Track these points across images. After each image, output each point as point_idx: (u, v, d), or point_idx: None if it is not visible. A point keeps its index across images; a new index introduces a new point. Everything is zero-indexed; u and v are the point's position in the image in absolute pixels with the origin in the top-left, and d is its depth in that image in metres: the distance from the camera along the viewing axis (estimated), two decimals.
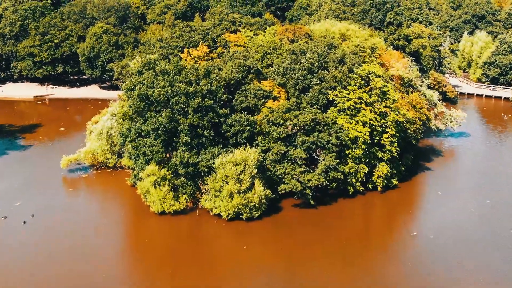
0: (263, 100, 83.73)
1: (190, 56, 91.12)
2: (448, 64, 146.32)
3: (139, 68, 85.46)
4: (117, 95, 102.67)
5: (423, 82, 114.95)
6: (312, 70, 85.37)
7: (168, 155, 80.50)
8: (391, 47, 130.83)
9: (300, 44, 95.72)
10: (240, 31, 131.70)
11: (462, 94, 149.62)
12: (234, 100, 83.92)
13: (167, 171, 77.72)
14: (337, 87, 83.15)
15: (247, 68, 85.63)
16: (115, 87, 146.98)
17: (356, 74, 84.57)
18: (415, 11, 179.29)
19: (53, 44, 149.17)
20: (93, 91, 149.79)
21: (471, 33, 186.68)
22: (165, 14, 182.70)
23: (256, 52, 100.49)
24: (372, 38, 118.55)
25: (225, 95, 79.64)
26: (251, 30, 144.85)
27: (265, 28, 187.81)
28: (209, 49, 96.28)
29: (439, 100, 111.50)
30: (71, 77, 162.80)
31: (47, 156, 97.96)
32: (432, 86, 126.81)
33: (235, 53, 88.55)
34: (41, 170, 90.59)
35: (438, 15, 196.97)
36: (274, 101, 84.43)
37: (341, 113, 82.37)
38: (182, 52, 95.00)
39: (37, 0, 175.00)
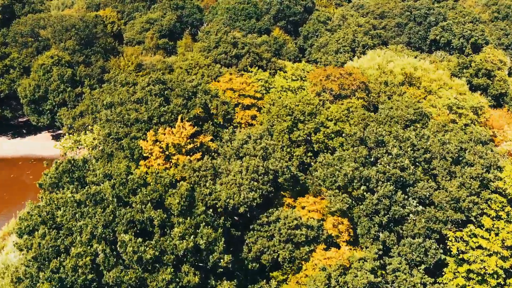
0: (307, 247, 39.33)
1: (159, 142, 46.11)
2: None
3: (53, 177, 40.64)
4: None
5: None
6: (404, 182, 40.65)
7: None
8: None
9: (363, 113, 51.77)
10: (245, 70, 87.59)
11: None
12: (245, 245, 39.83)
13: None
14: (465, 223, 38.60)
15: (271, 176, 40.93)
16: None
17: (497, 193, 39.87)
18: (468, 26, 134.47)
19: None
20: (42, 144, 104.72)
21: None
22: (147, 31, 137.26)
23: (279, 118, 56.48)
24: (452, 80, 73.81)
25: (227, 257, 34.93)
26: (264, 68, 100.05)
27: (276, 49, 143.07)
28: (195, 126, 51.05)
29: None
30: (19, 120, 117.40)
31: None
32: None
33: (246, 141, 43.50)
34: None
35: (486, 29, 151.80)
36: (328, 249, 39.90)
37: (474, 277, 37.73)
38: (146, 132, 49.94)
39: None
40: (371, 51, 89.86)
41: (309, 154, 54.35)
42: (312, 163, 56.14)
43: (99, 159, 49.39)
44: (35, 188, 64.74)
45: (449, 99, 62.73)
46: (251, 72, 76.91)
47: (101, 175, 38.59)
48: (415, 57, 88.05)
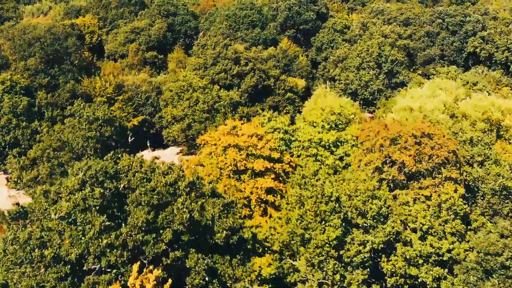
0: None
1: None
2: None
3: None
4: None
5: None
6: None
7: None
8: None
9: (488, 239, 27.84)
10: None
11: None
12: None
13: None
14: None
15: None
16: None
17: None
18: None
19: None
20: None
21: None
22: (132, 42, 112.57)
23: (318, 216, 32.35)
24: None
25: None
26: (271, 88, 77.33)
27: (285, 65, 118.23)
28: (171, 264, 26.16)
29: None
30: None
31: None
32: None
33: None
34: None
35: None
36: None
37: None
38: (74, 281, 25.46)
39: None
40: (429, 81, 64.82)
41: (376, 287, 30.68)
42: None
43: None
44: None
45: None
46: (263, 115, 52.63)
47: None
48: (475, 84, 64.03)
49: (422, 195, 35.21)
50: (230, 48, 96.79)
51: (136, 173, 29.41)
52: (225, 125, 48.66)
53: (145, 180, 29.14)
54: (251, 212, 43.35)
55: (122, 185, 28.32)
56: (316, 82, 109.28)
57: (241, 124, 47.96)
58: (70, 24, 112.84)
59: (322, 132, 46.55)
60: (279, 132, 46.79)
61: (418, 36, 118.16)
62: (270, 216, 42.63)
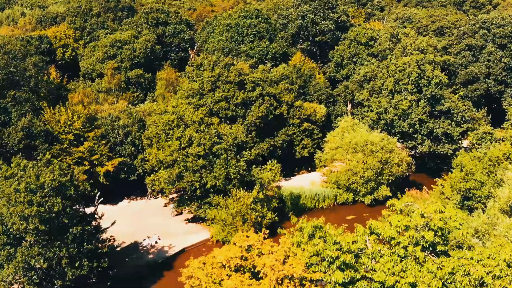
0: None
1: None
2: None
3: None
4: None
5: None
6: None
7: None
8: None
9: None
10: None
11: None
12: None
13: None
14: None
15: None
16: None
17: None
18: None
19: None
20: None
21: None
22: (113, 58, 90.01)
23: None
24: None
25: None
26: (284, 118, 55.77)
27: (300, 86, 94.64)
28: None
29: None
30: None
31: None
32: None
33: None
34: None
35: None
36: None
37: None
38: None
39: None
40: None
41: None
42: None
43: None
44: None
45: None
46: (300, 228, 29.98)
47: None
48: None
49: None
50: (233, 68, 74.67)
51: None
52: (229, 242, 26.41)
53: None
54: None
55: None
56: (337, 107, 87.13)
57: (260, 241, 25.79)
58: (38, 37, 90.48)
59: (406, 258, 24.84)
60: (331, 263, 24.88)
61: (457, 49, 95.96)
62: None
